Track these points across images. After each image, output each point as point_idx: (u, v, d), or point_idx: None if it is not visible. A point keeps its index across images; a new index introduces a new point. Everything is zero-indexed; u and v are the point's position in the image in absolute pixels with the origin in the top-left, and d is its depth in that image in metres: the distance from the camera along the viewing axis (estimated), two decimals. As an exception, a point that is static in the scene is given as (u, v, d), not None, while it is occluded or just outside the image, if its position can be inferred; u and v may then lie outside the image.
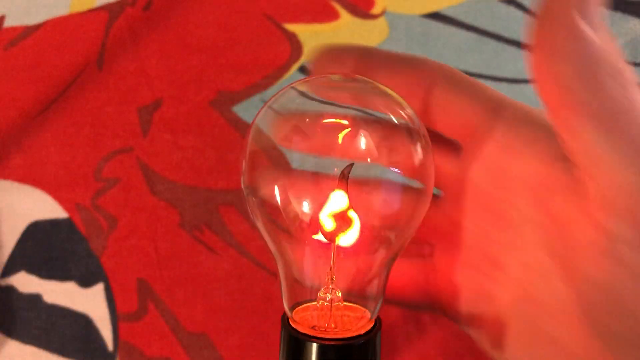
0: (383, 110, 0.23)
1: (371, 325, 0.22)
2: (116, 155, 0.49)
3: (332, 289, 0.22)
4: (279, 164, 0.23)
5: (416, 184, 0.22)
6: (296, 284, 0.22)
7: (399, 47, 0.48)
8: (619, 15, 0.48)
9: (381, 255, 0.22)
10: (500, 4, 0.48)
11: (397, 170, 0.22)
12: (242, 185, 0.23)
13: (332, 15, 0.49)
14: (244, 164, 0.23)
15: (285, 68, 0.49)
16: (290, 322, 0.21)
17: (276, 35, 0.49)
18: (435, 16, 0.48)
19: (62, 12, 0.51)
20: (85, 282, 0.49)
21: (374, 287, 0.22)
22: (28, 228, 0.49)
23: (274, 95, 0.25)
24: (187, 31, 0.50)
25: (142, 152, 0.49)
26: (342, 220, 0.21)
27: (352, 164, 0.21)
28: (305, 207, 0.21)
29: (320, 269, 0.22)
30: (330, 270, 0.22)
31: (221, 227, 0.48)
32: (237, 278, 0.48)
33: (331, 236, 0.21)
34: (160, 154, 0.49)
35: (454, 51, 0.48)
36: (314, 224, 0.21)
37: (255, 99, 0.49)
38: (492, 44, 0.48)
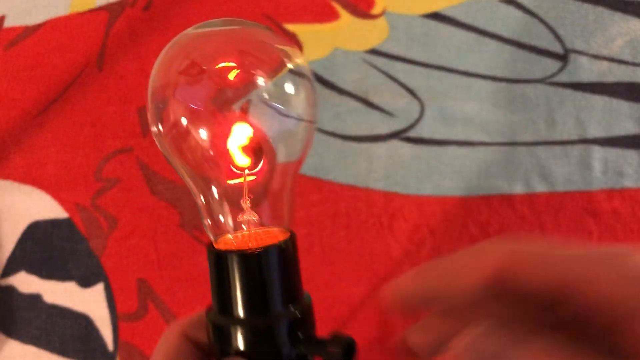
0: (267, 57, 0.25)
1: (286, 236, 0.23)
2: (116, 155, 0.49)
3: (248, 213, 0.24)
4: (185, 100, 0.24)
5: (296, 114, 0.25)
6: (216, 216, 0.24)
7: (399, 47, 0.48)
8: (618, 15, 0.48)
9: (282, 173, 0.24)
10: (500, 4, 0.48)
11: (283, 105, 0.25)
12: (150, 122, 0.25)
13: (332, 16, 0.49)
14: (149, 99, 0.25)
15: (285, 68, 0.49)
16: (215, 246, 0.23)
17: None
18: (435, 16, 0.48)
19: (62, 13, 0.51)
20: (86, 282, 0.49)
21: (283, 202, 0.25)
22: (28, 228, 0.50)
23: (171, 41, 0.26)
24: (187, 31, 0.50)
25: (142, 152, 0.49)
26: (250, 150, 0.23)
27: (249, 100, 0.23)
28: (211, 139, 0.24)
29: (235, 199, 0.24)
30: (245, 196, 0.24)
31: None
32: (237, 278, 0.48)
33: (241, 168, 0.24)
34: (160, 154, 0.49)
35: (454, 51, 0.48)
36: (225, 157, 0.23)
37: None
38: (492, 44, 0.48)
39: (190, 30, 0.25)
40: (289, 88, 0.25)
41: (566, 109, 0.47)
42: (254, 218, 0.24)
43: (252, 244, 0.23)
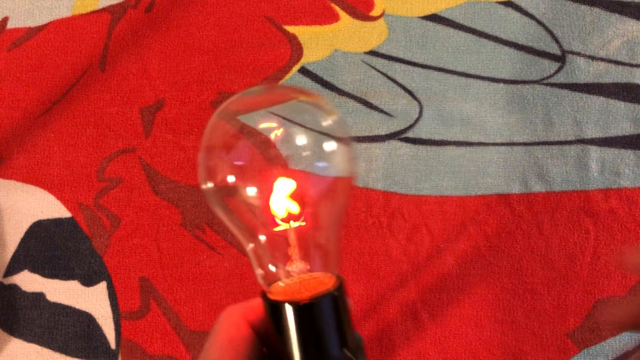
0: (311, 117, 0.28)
1: (337, 284, 0.25)
2: (119, 155, 0.50)
3: (297, 262, 0.26)
4: (232, 161, 0.27)
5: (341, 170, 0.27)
6: (266, 266, 0.26)
7: (398, 48, 0.48)
8: (615, 16, 0.48)
9: (327, 223, 0.26)
10: (498, 5, 0.48)
11: (324, 163, 0.27)
12: (200, 180, 0.26)
13: (332, 17, 0.49)
14: (200, 156, 0.26)
15: (286, 69, 0.49)
16: (269, 295, 0.25)
17: (277, 37, 0.49)
18: (434, 18, 0.48)
19: (64, 14, 0.51)
20: (88, 280, 0.49)
21: (329, 248, 0.26)
22: (31, 227, 0.50)
23: (228, 100, 0.28)
24: (189, 33, 0.50)
25: (145, 152, 0.49)
26: (294, 201, 0.25)
27: (289, 156, 0.26)
28: (257, 195, 0.26)
29: (283, 249, 0.26)
30: (292, 247, 0.25)
31: (222, 226, 0.48)
32: (239, 277, 0.48)
33: (287, 220, 0.26)
34: (163, 154, 0.49)
35: (453, 52, 0.48)
36: (269, 212, 0.26)
37: (256, 99, 0.49)
38: (490, 45, 0.48)
39: (236, 96, 0.28)
40: (328, 145, 0.27)
41: (563, 110, 0.47)
42: (302, 266, 0.25)
43: (304, 292, 0.24)
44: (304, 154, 0.26)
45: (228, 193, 0.26)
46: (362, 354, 0.25)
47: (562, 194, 0.47)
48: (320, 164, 0.27)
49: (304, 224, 0.25)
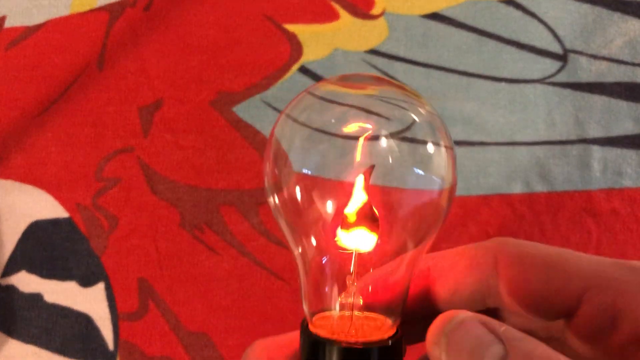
0: (402, 108, 0.22)
1: (393, 332, 0.21)
2: (117, 155, 0.49)
3: (354, 293, 0.21)
4: (301, 168, 0.23)
5: (436, 185, 0.22)
6: (317, 290, 0.21)
7: (398, 47, 0.48)
8: (618, 15, 0.48)
9: (403, 259, 0.21)
10: (499, 4, 0.48)
11: (419, 171, 0.21)
12: (266, 186, 0.23)
13: (332, 16, 0.49)
14: (267, 166, 0.23)
15: (285, 68, 0.49)
16: (310, 328, 0.20)
17: (276, 35, 0.49)
18: (435, 17, 0.48)
19: (62, 13, 0.51)
20: (86, 281, 0.49)
21: (395, 293, 0.21)
22: (29, 228, 0.50)
23: (292, 101, 0.24)
24: (188, 31, 0.50)
25: (143, 152, 0.49)
26: (365, 222, 0.20)
27: (373, 166, 0.20)
28: (327, 210, 0.21)
29: (341, 275, 0.21)
30: (351, 275, 0.21)
31: (222, 226, 0.48)
32: (238, 278, 0.48)
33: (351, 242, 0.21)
34: (161, 154, 0.49)
35: (454, 51, 0.48)
36: (336, 227, 0.21)
37: (256, 99, 0.49)
38: (491, 44, 0.48)
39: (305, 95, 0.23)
40: (425, 148, 0.20)
41: (565, 109, 0.47)
42: (358, 300, 0.21)
43: (353, 332, 0.20)
44: (393, 162, 0.21)
45: (292, 204, 0.22)
46: None
47: (564, 194, 0.47)
48: (415, 173, 0.21)
49: (371, 249, 0.21)
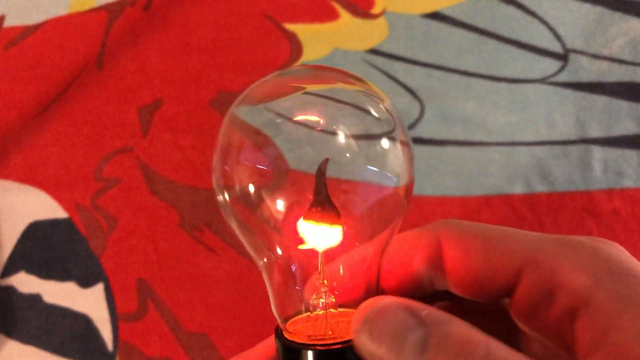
0: (361, 106, 0.21)
1: None
2: (116, 155, 0.49)
3: (325, 293, 0.20)
4: (254, 161, 0.21)
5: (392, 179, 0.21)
6: (286, 294, 0.21)
7: (398, 47, 0.48)
8: (619, 14, 0.48)
9: (368, 252, 0.21)
10: (500, 3, 0.48)
11: (373, 168, 0.20)
12: (214, 184, 0.21)
13: (332, 15, 0.49)
14: (215, 159, 0.21)
15: (285, 68, 0.49)
16: (285, 334, 0.19)
17: (276, 35, 0.49)
18: (435, 16, 0.48)
19: (62, 12, 0.51)
20: (85, 282, 0.49)
21: (366, 287, 0.21)
22: (28, 228, 0.50)
23: (246, 90, 0.23)
24: (187, 31, 0.50)
25: (142, 152, 0.49)
26: (326, 217, 0.19)
27: (327, 159, 0.19)
28: (283, 208, 0.20)
29: (308, 275, 0.20)
30: (320, 274, 0.20)
31: (221, 227, 0.48)
32: (237, 278, 0.48)
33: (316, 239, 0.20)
34: (161, 154, 0.49)
35: (454, 51, 0.48)
36: (295, 228, 0.19)
37: (255, 99, 0.49)
38: (492, 43, 0.48)
39: (267, 78, 0.22)
40: (382, 143, 0.20)
41: (566, 109, 0.47)
42: (330, 298, 0.20)
43: (329, 333, 0.19)
44: (350, 156, 0.20)
45: (246, 202, 0.21)
46: None
47: (564, 194, 0.47)
48: (371, 169, 0.20)
49: (336, 244, 0.20)
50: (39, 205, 0.50)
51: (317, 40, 0.49)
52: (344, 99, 0.22)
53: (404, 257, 0.21)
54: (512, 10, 0.48)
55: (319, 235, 0.19)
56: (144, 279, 0.48)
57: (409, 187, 0.22)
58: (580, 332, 0.18)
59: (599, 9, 0.48)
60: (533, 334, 0.20)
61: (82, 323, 0.49)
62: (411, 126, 0.48)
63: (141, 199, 0.49)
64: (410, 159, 0.21)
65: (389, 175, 0.21)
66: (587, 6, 0.48)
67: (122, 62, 0.50)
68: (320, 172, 0.19)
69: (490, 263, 0.20)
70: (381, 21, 0.49)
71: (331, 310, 0.20)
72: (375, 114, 0.21)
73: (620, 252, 0.19)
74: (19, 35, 0.51)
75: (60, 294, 0.49)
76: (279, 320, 0.20)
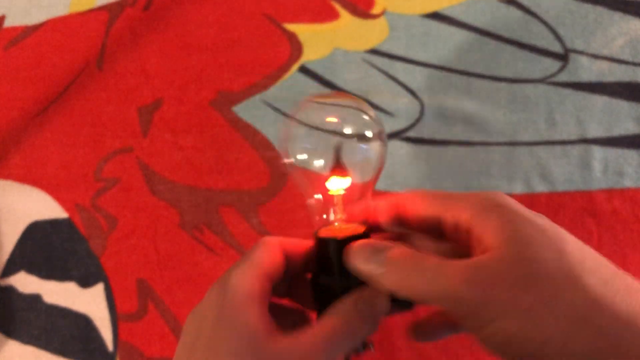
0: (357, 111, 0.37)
1: (363, 230, 0.34)
2: (116, 155, 0.49)
3: (340, 213, 0.35)
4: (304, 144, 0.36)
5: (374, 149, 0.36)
6: (319, 214, 0.36)
7: (399, 47, 0.48)
8: (619, 14, 0.48)
9: (362, 187, 0.36)
10: (500, 4, 0.48)
11: (365, 145, 0.36)
12: (285, 159, 0.36)
13: (332, 15, 0.49)
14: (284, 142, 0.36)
15: (285, 68, 0.49)
16: (319, 233, 0.34)
17: (276, 35, 0.49)
18: (435, 16, 0.48)
19: (62, 12, 0.51)
20: (85, 282, 0.49)
21: (362, 219, 0.35)
22: (28, 228, 0.50)
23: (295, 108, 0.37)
24: (187, 31, 0.50)
25: (142, 152, 0.49)
26: (342, 173, 0.36)
27: (341, 143, 0.36)
28: (320, 165, 0.36)
29: (331, 205, 0.36)
30: (339, 203, 0.35)
31: (221, 227, 0.48)
32: (237, 278, 0.48)
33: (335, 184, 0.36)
34: (160, 154, 0.49)
35: (454, 51, 0.48)
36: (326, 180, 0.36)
37: (256, 99, 0.49)
38: (492, 43, 0.48)
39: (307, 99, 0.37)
40: (368, 133, 0.36)
41: (566, 109, 0.47)
42: (342, 216, 0.35)
43: (342, 234, 0.33)
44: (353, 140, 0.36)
45: (304, 164, 0.36)
46: None
47: (565, 194, 0.47)
48: (362, 145, 0.36)
49: (345, 190, 0.35)
50: (39, 206, 0.50)
51: (317, 40, 0.49)
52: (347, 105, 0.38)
53: (385, 208, 0.34)
54: (512, 11, 0.48)
55: (339, 183, 0.35)
56: (144, 279, 0.48)
57: (382, 149, 0.36)
58: (472, 239, 0.29)
59: (599, 9, 0.48)
60: (455, 245, 0.31)
61: (82, 323, 0.49)
62: (411, 126, 0.48)
63: (141, 199, 0.49)
64: (384, 140, 0.37)
65: (371, 150, 0.36)
66: (587, 6, 0.48)
67: (122, 62, 0.50)
68: (337, 148, 0.35)
69: (430, 213, 0.32)
70: (381, 21, 0.49)
71: (343, 225, 0.35)
72: (366, 118, 0.37)
73: (504, 197, 0.30)
74: (19, 35, 0.51)
75: (60, 294, 0.49)
76: (316, 228, 0.35)
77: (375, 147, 0.36)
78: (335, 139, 0.35)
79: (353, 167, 0.35)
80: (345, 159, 0.35)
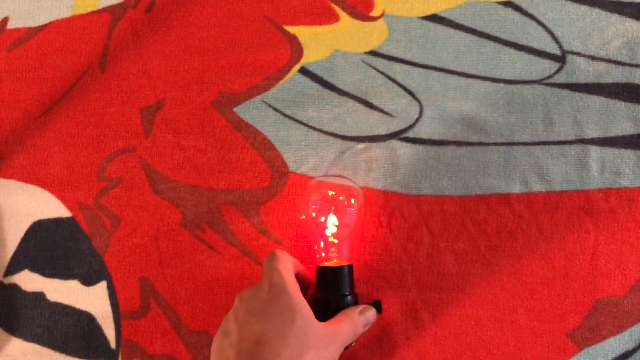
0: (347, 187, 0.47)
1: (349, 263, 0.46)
2: (119, 155, 0.50)
3: (332, 251, 0.46)
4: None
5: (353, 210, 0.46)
6: (320, 253, 0.46)
7: (398, 49, 0.48)
8: (615, 16, 0.48)
9: (345, 233, 0.46)
10: (498, 6, 0.48)
11: (351, 208, 0.46)
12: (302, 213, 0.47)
13: (332, 17, 0.49)
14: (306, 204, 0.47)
15: (285, 69, 0.49)
16: (320, 265, 0.46)
17: (277, 37, 0.49)
18: (434, 18, 0.48)
19: (65, 14, 0.51)
20: (88, 280, 0.49)
21: (350, 248, 0.47)
22: (32, 227, 0.50)
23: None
24: (189, 33, 0.50)
25: (145, 152, 0.49)
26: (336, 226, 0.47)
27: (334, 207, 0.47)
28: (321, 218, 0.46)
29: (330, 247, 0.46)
30: (330, 244, 0.46)
31: (223, 226, 0.48)
32: (239, 277, 0.48)
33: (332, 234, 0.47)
34: (163, 154, 0.49)
35: (453, 53, 0.48)
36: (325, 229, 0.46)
37: (257, 99, 0.49)
38: (490, 45, 0.48)
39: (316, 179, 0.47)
40: (353, 200, 0.46)
41: (564, 110, 0.47)
42: (336, 255, 0.46)
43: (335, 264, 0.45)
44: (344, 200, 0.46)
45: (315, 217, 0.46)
46: (357, 297, 0.45)
47: (562, 193, 0.47)
48: (349, 206, 0.46)
49: (336, 241, 0.46)
50: (43, 205, 0.50)
51: (317, 42, 0.49)
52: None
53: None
54: (509, 13, 0.48)
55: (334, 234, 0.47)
56: (146, 277, 0.48)
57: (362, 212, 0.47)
58: None
59: (596, 11, 0.48)
60: None
61: (85, 321, 0.49)
62: (410, 127, 0.48)
63: (143, 199, 0.49)
64: (363, 202, 0.47)
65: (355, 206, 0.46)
66: (584, 8, 0.48)
67: (125, 63, 0.50)
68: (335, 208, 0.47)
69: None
70: (380, 23, 0.49)
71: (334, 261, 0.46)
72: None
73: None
74: (22, 37, 0.51)
75: (64, 292, 0.49)
76: (319, 262, 0.46)
77: (357, 204, 0.46)
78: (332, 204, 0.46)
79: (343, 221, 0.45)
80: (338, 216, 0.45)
